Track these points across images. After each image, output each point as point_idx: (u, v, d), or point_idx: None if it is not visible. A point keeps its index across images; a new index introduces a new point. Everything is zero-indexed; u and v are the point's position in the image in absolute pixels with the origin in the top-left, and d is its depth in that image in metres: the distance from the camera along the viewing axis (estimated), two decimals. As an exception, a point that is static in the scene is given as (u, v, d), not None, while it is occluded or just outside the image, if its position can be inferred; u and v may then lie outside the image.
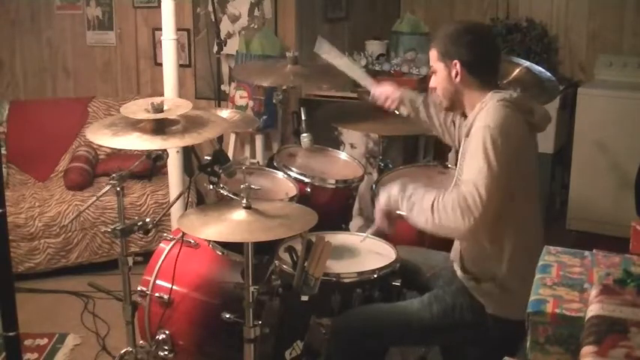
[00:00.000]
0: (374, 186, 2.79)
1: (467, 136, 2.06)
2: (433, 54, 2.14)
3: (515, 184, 1.96)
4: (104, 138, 2.09)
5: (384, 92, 2.57)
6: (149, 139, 2.06)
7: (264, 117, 4.04)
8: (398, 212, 2.05)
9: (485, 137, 1.91)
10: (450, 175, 2.68)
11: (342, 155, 3.08)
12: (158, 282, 2.51)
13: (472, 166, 1.93)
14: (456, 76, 2.07)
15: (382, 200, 2.09)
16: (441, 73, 2.11)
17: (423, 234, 2.46)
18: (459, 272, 2.14)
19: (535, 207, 2.11)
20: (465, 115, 2.15)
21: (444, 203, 1.91)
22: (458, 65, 2.06)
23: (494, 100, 2.00)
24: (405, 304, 2.18)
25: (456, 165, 2.26)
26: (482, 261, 2.07)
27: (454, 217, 1.88)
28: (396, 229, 2.18)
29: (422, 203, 1.96)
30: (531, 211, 2.09)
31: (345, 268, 2.25)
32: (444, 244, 2.27)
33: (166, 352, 2.44)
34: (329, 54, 2.73)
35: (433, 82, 2.18)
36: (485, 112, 1.99)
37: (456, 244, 2.18)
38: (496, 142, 1.90)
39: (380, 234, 2.28)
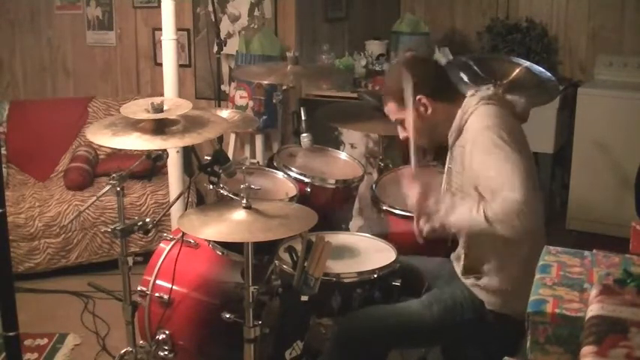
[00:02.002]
0: (374, 186, 2.79)
1: (454, 144, 2.07)
2: (391, 108, 2.14)
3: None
4: (104, 138, 2.09)
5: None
6: (149, 139, 2.06)
7: (264, 117, 4.04)
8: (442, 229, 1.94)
9: (491, 137, 1.91)
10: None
11: (342, 155, 3.08)
12: (158, 282, 2.51)
13: (492, 168, 1.87)
14: (426, 111, 2.08)
15: (426, 222, 1.98)
16: (409, 119, 2.09)
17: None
18: (459, 270, 2.14)
19: (538, 197, 2.12)
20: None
21: (493, 210, 1.80)
22: (423, 99, 2.07)
23: (475, 103, 2.00)
24: (404, 306, 2.18)
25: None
26: (489, 252, 2.06)
27: (511, 222, 1.78)
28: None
29: (471, 214, 1.84)
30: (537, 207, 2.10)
31: (345, 268, 2.24)
32: (442, 246, 2.27)
33: (166, 352, 2.44)
34: None
35: (403, 133, 2.16)
36: (474, 117, 1.99)
37: (461, 242, 2.17)
38: (503, 137, 1.90)
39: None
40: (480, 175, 1.92)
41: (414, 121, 2.09)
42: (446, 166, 2.17)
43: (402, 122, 2.15)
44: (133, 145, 2.09)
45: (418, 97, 2.06)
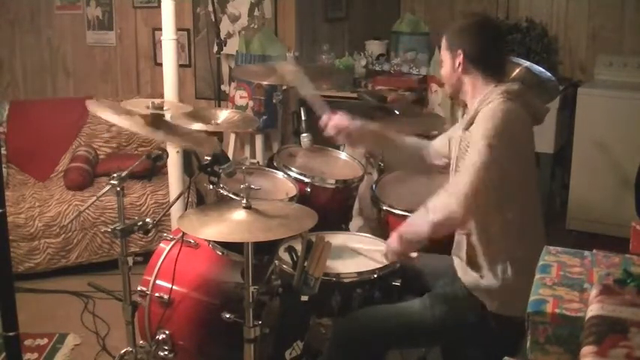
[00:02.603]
0: (374, 186, 2.79)
1: (467, 129, 2.08)
2: (443, 42, 2.19)
3: (517, 173, 1.99)
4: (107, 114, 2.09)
5: (338, 122, 2.48)
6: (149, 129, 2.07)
7: (264, 117, 4.04)
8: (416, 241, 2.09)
9: (487, 133, 1.94)
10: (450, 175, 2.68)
11: (342, 155, 3.08)
12: (158, 282, 2.51)
13: (474, 152, 1.96)
14: (458, 66, 2.11)
15: (396, 240, 2.11)
16: (447, 61, 2.17)
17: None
18: (461, 270, 2.14)
19: (536, 200, 2.12)
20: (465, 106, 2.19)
21: (437, 196, 1.98)
22: (461, 56, 2.10)
23: (497, 94, 2.01)
24: (405, 306, 2.18)
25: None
26: (490, 250, 2.06)
27: (446, 203, 1.95)
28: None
29: (421, 210, 2.01)
30: (533, 205, 2.11)
31: (345, 268, 2.24)
32: (442, 246, 2.27)
33: (166, 352, 2.44)
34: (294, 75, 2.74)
35: (442, 71, 2.23)
36: (488, 109, 2.00)
37: (461, 238, 2.17)
38: (494, 139, 1.92)
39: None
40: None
41: (447, 67, 2.16)
42: (454, 153, 2.18)
43: (442, 60, 2.20)
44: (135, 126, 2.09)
45: (459, 50, 2.10)
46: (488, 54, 2.12)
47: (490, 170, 1.92)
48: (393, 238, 2.12)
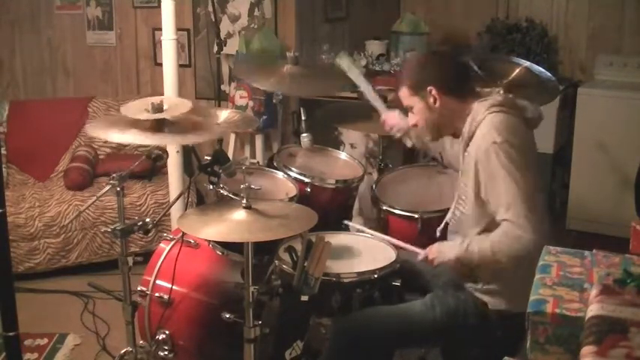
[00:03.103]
0: (374, 186, 2.79)
1: (465, 150, 2.07)
2: (404, 92, 2.15)
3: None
4: (104, 132, 2.08)
5: (391, 119, 2.58)
6: (149, 135, 2.06)
7: (264, 117, 4.04)
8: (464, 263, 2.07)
9: (498, 155, 1.92)
10: (450, 176, 2.68)
11: (342, 155, 3.08)
12: (158, 282, 2.51)
13: (500, 189, 1.93)
14: (434, 103, 2.08)
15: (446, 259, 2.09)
16: (418, 106, 2.12)
17: (423, 237, 2.47)
18: (457, 273, 2.14)
19: (540, 200, 2.12)
20: (455, 136, 2.17)
21: (499, 242, 1.94)
22: (433, 91, 2.07)
23: (484, 110, 2.00)
24: (407, 307, 2.18)
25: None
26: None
27: (513, 246, 1.91)
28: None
29: (483, 252, 1.98)
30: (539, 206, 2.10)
31: (345, 268, 2.24)
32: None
33: (166, 352, 2.44)
34: (350, 71, 2.78)
35: (412, 119, 2.18)
36: (483, 126, 1.99)
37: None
38: (510, 155, 1.92)
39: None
40: (489, 196, 1.98)
41: (421, 111, 2.12)
42: (460, 172, 2.17)
43: (411, 108, 2.16)
44: (134, 139, 2.08)
45: (429, 87, 2.07)
46: (456, 75, 2.11)
47: (522, 180, 1.91)
48: (433, 253, 2.11)
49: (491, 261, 1.97)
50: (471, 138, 2.03)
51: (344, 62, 2.78)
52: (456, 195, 2.18)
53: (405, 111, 2.29)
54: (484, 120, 1.99)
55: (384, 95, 2.82)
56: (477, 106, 2.04)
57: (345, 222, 2.56)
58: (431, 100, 2.08)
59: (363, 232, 2.49)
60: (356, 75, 2.78)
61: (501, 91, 2.12)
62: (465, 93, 2.09)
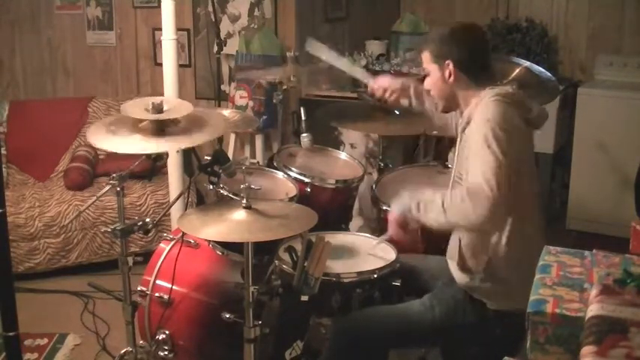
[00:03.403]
0: (374, 186, 2.79)
1: (463, 131, 2.07)
2: (426, 56, 2.15)
3: (516, 176, 1.96)
4: (105, 141, 2.08)
5: (382, 84, 2.57)
6: (149, 140, 2.06)
7: (264, 117, 4.04)
8: (412, 218, 2.02)
9: (486, 132, 1.91)
10: (450, 176, 2.68)
11: (342, 155, 3.08)
12: (158, 282, 2.51)
13: (477, 160, 1.92)
14: (449, 77, 2.09)
15: (395, 210, 2.06)
16: (435, 75, 2.13)
17: (423, 235, 2.47)
18: (455, 273, 2.14)
19: (534, 200, 2.12)
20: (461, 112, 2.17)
21: (452, 198, 1.90)
22: (450, 65, 2.08)
23: (490, 96, 2.00)
24: (405, 306, 2.18)
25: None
26: (482, 254, 2.06)
27: (464, 208, 1.85)
28: (411, 237, 2.17)
29: (433, 204, 1.94)
30: (531, 205, 2.10)
31: (345, 268, 2.25)
32: (441, 247, 2.27)
33: (166, 352, 2.44)
34: (321, 53, 2.73)
35: (427, 84, 2.19)
36: (481, 107, 1.99)
37: (454, 242, 2.17)
38: (498, 135, 1.90)
39: (392, 242, 2.28)
40: (468, 166, 1.97)
41: (436, 79, 2.13)
42: (455, 154, 2.16)
43: (429, 74, 2.16)
44: (133, 148, 2.08)
45: (447, 61, 2.08)
46: (477, 58, 2.10)
47: (503, 158, 1.87)
48: (395, 223, 2.08)
49: (438, 218, 1.93)
50: (469, 121, 2.03)
51: (313, 47, 2.75)
52: (451, 177, 2.18)
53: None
54: (487, 104, 1.99)
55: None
56: (485, 92, 2.04)
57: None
58: (447, 73, 2.09)
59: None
60: (328, 54, 2.74)
61: (513, 87, 2.12)
62: (480, 77, 2.09)
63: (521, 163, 1.99)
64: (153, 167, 2.36)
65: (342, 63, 2.75)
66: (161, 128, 2.08)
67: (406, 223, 2.06)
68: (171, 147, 2.20)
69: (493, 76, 2.14)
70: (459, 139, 2.14)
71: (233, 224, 2.01)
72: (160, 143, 2.06)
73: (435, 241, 2.23)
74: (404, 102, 2.57)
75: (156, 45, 4.67)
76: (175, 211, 3.15)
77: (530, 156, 2.10)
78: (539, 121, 2.09)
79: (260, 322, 2.08)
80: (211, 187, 2.43)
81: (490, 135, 1.90)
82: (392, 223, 2.10)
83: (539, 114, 2.09)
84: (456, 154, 2.15)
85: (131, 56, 4.84)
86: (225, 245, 2.46)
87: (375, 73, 4.22)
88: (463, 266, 2.11)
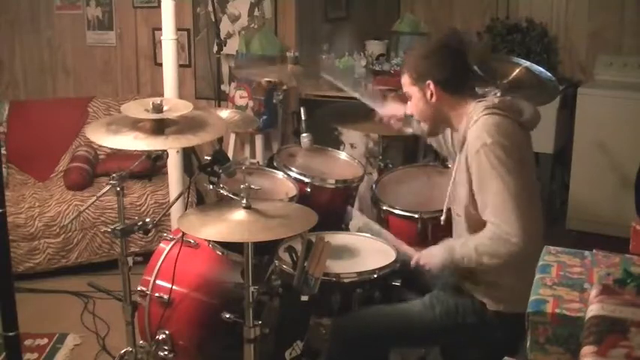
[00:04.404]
0: (374, 186, 2.79)
1: (460, 151, 2.07)
2: (405, 80, 2.14)
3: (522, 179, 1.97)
4: (104, 138, 2.08)
5: (390, 112, 2.58)
6: (148, 138, 2.06)
7: (264, 117, 4.04)
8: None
9: (488, 157, 1.92)
10: (450, 176, 2.68)
11: (342, 155, 3.08)
12: (158, 282, 2.51)
13: (488, 192, 1.93)
14: (431, 97, 2.08)
15: (432, 265, 2.09)
16: (416, 97, 2.12)
17: (422, 235, 2.47)
18: (456, 273, 2.14)
19: (536, 203, 2.12)
20: (454, 129, 2.17)
21: (483, 244, 1.94)
22: (431, 85, 2.06)
23: (480, 111, 1.99)
24: (406, 306, 2.18)
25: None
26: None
27: (498, 249, 1.92)
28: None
29: (471, 258, 1.98)
30: (533, 208, 2.09)
31: (345, 268, 2.25)
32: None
33: (166, 352, 2.44)
34: (336, 81, 2.77)
35: (409, 108, 2.18)
36: (475, 128, 1.98)
37: None
38: (500, 157, 1.91)
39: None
40: (478, 197, 1.98)
41: (418, 102, 2.12)
42: (453, 173, 2.16)
43: (410, 97, 2.16)
44: (132, 145, 2.08)
45: (427, 81, 2.06)
46: (457, 73, 2.08)
47: (512, 183, 1.91)
48: (423, 259, 2.11)
49: (476, 263, 1.97)
50: (465, 140, 2.03)
51: (329, 76, 2.79)
52: (448, 193, 2.18)
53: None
54: (478, 121, 1.98)
55: (383, 95, 2.82)
56: (473, 107, 2.03)
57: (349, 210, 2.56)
58: (428, 93, 2.08)
59: (367, 224, 2.49)
60: (343, 83, 2.78)
61: (498, 93, 2.11)
62: (463, 92, 2.08)
63: (523, 166, 2.00)
64: (153, 167, 2.36)
65: (354, 91, 2.78)
66: (161, 128, 2.08)
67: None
68: (170, 146, 2.19)
69: (473, 89, 2.13)
70: (457, 159, 2.13)
71: (233, 224, 2.01)
72: (160, 142, 2.06)
73: (435, 240, 2.23)
74: (407, 130, 2.58)
75: (156, 45, 4.67)
76: (175, 211, 3.15)
77: (531, 158, 2.10)
78: (533, 122, 2.09)
79: (260, 322, 2.08)
80: (211, 187, 2.43)
81: (493, 158, 1.91)
82: (415, 261, 2.14)
83: (532, 115, 2.08)
84: (454, 173, 2.14)
85: (131, 56, 4.84)
86: (225, 245, 2.46)
87: (375, 73, 4.24)
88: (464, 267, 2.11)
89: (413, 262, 2.15)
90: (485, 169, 1.92)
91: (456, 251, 2.02)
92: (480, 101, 2.04)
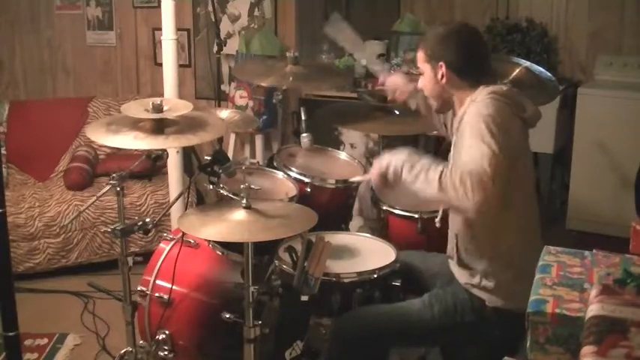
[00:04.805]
0: (374, 186, 2.79)
1: (458, 130, 2.07)
2: (420, 55, 2.15)
3: (512, 173, 1.94)
4: (104, 137, 2.08)
5: (394, 83, 2.56)
6: (148, 138, 2.06)
7: (264, 117, 4.05)
8: (396, 176, 1.98)
9: (479, 124, 1.90)
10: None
11: (342, 155, 3.08)
12: (158, 282, 2.51)
13: (472, 149, 1.88)
14: (441, 78, 2.09)
15: (384, 162, 2.01)
16: (428, 75, 2.13)
17: (422, 236, 2.47)
18: (455, 270, 2.14)
19: (532, 199, 2.11)
20: (454, 112, 2.17)
21: (451, 176, 1.83)
22: (443, 67, 2.07)
23: (485, 94, 2.00)
24: (405, 305, 2.18)
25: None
26: (480, 251, 2.06)
27: (463, 191, 1.80)
28: (387, 190, 2.11)
29: (428, 174, 1.89)
30: (528, 203, 2.09)
31: (345, 268, 2.25)
32: (441, 246, 2.27)
33: (166, 352, 2.44)
34: (341, 33, 2.68)
35: (420, 83, 2.19)
36: (476, 104, 1.99)
37: (452, 240, 2.17)
38: (492, 129, 1.89)
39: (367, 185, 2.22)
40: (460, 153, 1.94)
41: (429, 79, 2.12)
42: (451, 153, 2.16)
43: (422, 73, 2.16)
44: (132, 145, 2.08)
45: (440, 62, 2.07)
46: (471, 61, 2.09)
47: (497, 150, 1.85)
48: (378, 170, 2.02)
49: (427, 189, 1.88)
50: (462, 119, 2.03)
51: (334, 25, 2.68)
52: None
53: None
54: (479, 102, 1.98)
55: (383, 95, 2.81)
56: (479, 90, 2.03)
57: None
58: (440, 74, 2.09)
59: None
60: (347, 36, 2.67)
61: (507, 85, 2.11)
62: (473, 78, 2.08)
63: (517, 161, 1.99)
64: (153, 167, 2.36)
65: (360, 49, 2.69)
66: (161, 128, 2.09)
67: (387, 178, 2.01)
68: (170, 146, 2.20)
69: (489, 76, 2.11)
70: (453, 140, 2.13)
71: (233, 224, 2.01)
72: (160, 142, 2.06)
73: (435, 241, 2.23)
74: (411, 104, 2.56)
75: (156, 45, 4.67)
76: (175, 211, 3.15)
77: (527, 154, 2.10)
78: (533, 120, 2.09)
79: (260, 322, 2.08)
80: (211, 187, 2.43)
81: (484, 127, 1.89)
82: (375, 167, 2.04)
83: (533, 113, 2.08)
84: (451, 154, 2.14)
85: (131, 56, 4.85)
86: (225, 245, 2.46)
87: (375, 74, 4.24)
88: (461, 264, 2.11)
89: (368, 177, 2.10)
90: (475, 133, 1.89)
91: (415, 167, 1.92)
92: (487, 86, 2.04)
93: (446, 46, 2.07)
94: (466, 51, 2.08)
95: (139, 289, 2.51)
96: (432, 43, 2.11)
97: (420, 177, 1.91)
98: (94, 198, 2.56)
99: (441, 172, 1.86)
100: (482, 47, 2.16)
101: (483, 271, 2.05)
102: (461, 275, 2.12)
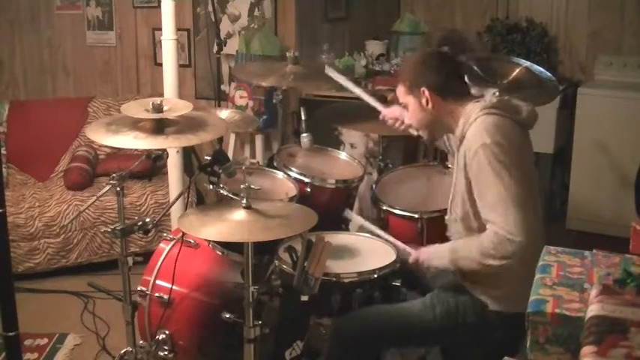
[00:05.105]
0: (374, 186, 2.79)
1: (458, 150, 2.07)
2: (400, 90, 2.16)
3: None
4: (104, 137, 2.08)
5: (393, 114, 2.57)
6: (148, 138, 2.06)
7: (264, 117, 4.04)
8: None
9: (487, 157, 1.92)
10: (450, 176, 2.68)
11: (342, 155, 3.08)
12: (158, 282, 2.51)
13: (488, 191, 1.93)
14: (427, 104, 2.09)
15: (421, 259, 2.14)
16: (413, 106, 2.13)
17: (422, 235, 2.47)
18: (457, 272, 2.14)
19: (535, 202, 2.11)
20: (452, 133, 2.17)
21: (487, 247, 1.94)
22: (426, 92, 2.07)
23: (478, 111, 2.00)
24: (406, 306, 2.18)
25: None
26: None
27: (501, 250, 1.91)
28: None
29: (467, 259, 2.00)
30: (532, 206, 2.09)
31: (345, 268, 2.25)
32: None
33: (166, 352, 2.44)
34: (339, 79, 2.76)
35: (408, 118, 2.20)
36: (474, 127, 1.98)
37: None
38: (499, 157, 1.91)
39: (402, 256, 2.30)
40: (478, 196, 1.98)
41: (415, 110, 2.12)
42: (454, 171, 2.16)
43: (407, 107, 2.17)
44: (132, 144, 2.09)
45: (422, 88, 2.07)
46: (450, 77, 2.09)
47: (511, 182, 1.90)
48: (423, 257, 2.14)
49: (480, 266, 1.97)
50: (463, 139, 2.03)
51: (332, 72, 2.78)
52: (450, 195, 2.18)
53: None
54: (476, 121, 1.98)
55: (383, 95, 2.82)
56: (470, 107, 2.04)
57: (346, 213, 2.56)
58: (424, 100, 2.08)
59: (362, 226, 2.49)
60: (345, 81, 2.78)
61: (497, 93, 2.11)
62: (458, 95, 2.09)
63: (523, 165, 1.99)
64: (153, 167, 2.36)
65: (358, 91, 2.77)
66: (161, 128, 2.09)
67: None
68: (170, 146, 2.20)
69: (469, 91, 2.13)
70: (455, 160, 2.13)
71: (233, 224, 2.01)
72: (160, 142, 2.06)
73: (435, 240, 2.23)
74: (413, 131, 2.57)
75: (156, 45, 4.67)
76: (175, 211, 3.15)
77: (530, 157, 2.10)
78: (530, 121, 2.09)
79: (260, 322, 2.08)
80: (211, 187, 2.43)
81: (492, 159, 1.92)
82: (413, 258, 2.17)
83: (529, 113, 2.08)
84: (454, 172, 2.14)
85: (131, 56, 4.84)
86: (225, 245, 2.46)
87: (375, 74, 4.24)
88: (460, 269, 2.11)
89: (412, 260, 2.16)
90: (485, 168, 1.92)
91: (458, 253, 2.02)
92: (477, 102, 2.05)
93: (423, 71, 2.09)
94: (442, 70, 2.09)
95: (138, 289, 2.52)
96: (409, 73, 2.13)
97: (461, 263, 2.04)
98: (94, 198, 2.56)
99: (479, 248, 1.96)
100: (457, 64, 2.15)
101: (486, 274, 2.05)
102: (462, 277, 2.12)
